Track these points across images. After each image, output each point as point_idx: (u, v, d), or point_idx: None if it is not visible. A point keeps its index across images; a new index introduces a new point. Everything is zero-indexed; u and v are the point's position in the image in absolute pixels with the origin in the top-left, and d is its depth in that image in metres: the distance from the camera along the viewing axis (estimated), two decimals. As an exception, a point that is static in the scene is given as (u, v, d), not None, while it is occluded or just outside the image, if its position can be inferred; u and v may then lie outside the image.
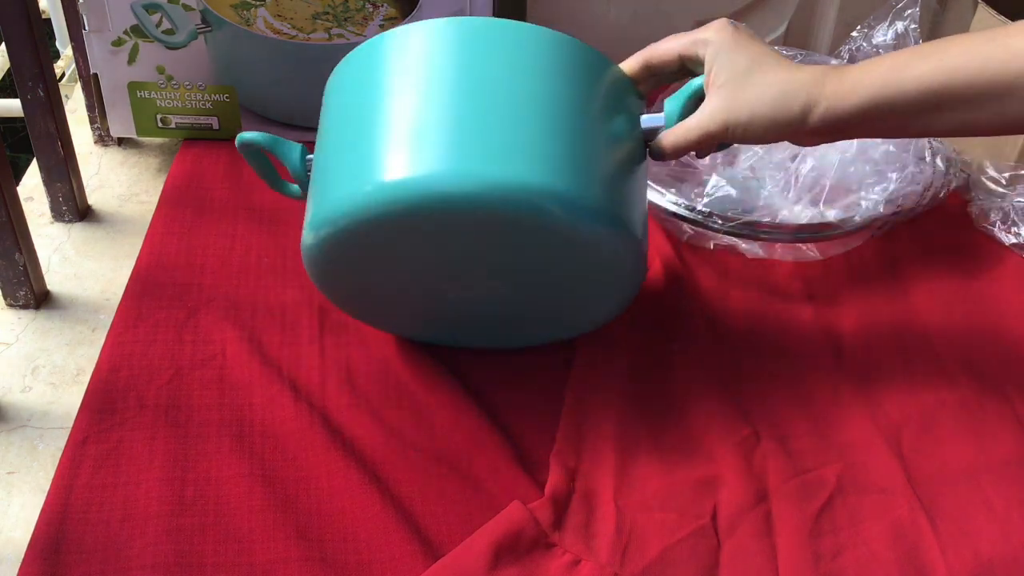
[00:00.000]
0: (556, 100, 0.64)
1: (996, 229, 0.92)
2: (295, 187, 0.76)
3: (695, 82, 0.69)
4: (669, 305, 0.85)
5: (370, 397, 0.76)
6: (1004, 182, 0.93)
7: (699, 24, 1.07)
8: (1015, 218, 0.92)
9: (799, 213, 0.86)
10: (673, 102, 0.69)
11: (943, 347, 0.82)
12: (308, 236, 0.67)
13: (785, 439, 0.74)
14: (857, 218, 0.85)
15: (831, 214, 0.86)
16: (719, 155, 0.92)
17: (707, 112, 0.66)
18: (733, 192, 0.87)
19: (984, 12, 0.96)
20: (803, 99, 0.63)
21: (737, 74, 0.65)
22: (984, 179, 0.94)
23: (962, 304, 0.86)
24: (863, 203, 0.86)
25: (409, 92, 0.64)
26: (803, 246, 0.88)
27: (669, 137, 0.68)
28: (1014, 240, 0.91)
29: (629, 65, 0.70)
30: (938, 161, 0.90)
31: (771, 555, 0.65)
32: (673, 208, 0.86)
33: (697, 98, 0.69)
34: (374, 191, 0.61)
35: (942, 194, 0.91)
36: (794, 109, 0.64)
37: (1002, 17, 0.93)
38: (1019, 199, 0.92)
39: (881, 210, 0.86)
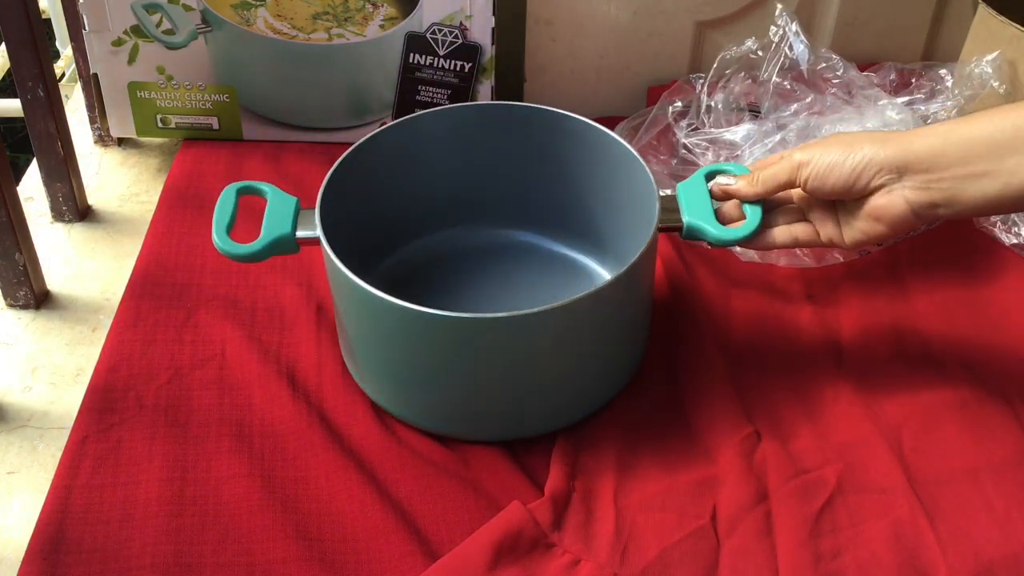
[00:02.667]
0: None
1: (996, 229, 0.92)
2: (244, 248, 0.71)
3: (704, 169, 0.77)
4: (670, 304, 0.85)
5: (368, 396, 0.76)
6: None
7: (699, 25, 1.08)
8: (1015, 218, 0.92)
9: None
10: (686, 186, 0.76)
11: (943, 347, 0.82)
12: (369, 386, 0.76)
13: (785, 439, 0.74)
14: None
15: None
16: (722, 154, 0.92)
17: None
18: None
19: (984, 12, 0.96)
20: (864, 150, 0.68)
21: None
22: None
23: (962, 304, 0.86)
24: None
25: None
26: (798, 251, 0.88)
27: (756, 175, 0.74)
28: (1014, 240, 0.91)
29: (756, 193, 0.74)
30: None
31: (771, 555, 0.65)
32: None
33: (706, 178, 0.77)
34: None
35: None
36: (856, 157, 0.68)
37: (1003, 18, 0.93)
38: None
39: None
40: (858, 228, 0.70)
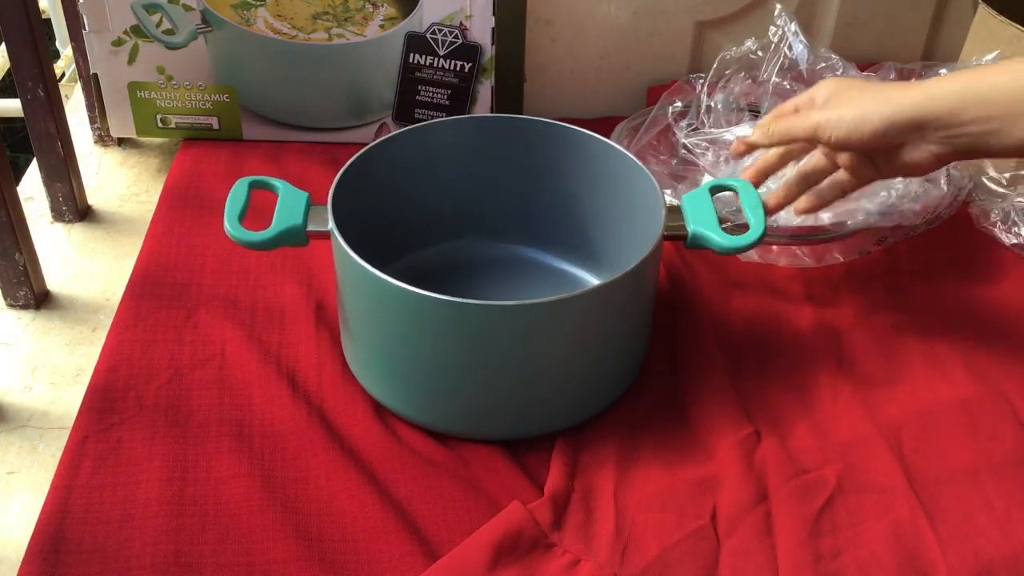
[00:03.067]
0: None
1: (996, 229, 0.92)
2: (255, 235, 0.72)
3: (708, 183, 0.78)
4: (670, 305, 0.85)
5: (369, 396, 0.76)
6: (1005, 182, 0.93)
7: (699, 25, 1.08)
8: (1015, 218, 0.92)
9: (794, 216, 0.86)
10: (691, 197, 0.76)
11: (943, 347, 0.82)
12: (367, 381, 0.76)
13: (785, 439, 0.74)
14: (850, 223, 0.85)
15: (825, 217, 0.86)
16: (722, 154, 0.92)
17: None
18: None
19: (984, 12, 0.96)
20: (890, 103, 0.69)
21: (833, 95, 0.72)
22: (985, 180, 0.94)
23: (962, 304, 0.86)
24: (860, 213, 0.86)
25: None
26: (798, 251, 0.88)
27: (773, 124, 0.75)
28: (1014, 240, 0.91)
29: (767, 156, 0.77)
30: (943, 184, 0.89)
31: (771, 555, 0.65)
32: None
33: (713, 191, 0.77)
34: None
35: (944, 215, 0.90)
36: (883, 110, 0.68)
37: (1002, 18, 0.93)
38: (1019, 199, 0.92)
39: (875, 221, 0.85)
40: (893, 169, 0.72)
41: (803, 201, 0.79)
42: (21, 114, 0.92)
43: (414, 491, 0.69)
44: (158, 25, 0.97)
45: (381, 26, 0.99)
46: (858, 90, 0.71)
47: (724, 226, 0.75)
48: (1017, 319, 0.84)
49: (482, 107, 1.03)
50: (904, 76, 1.01)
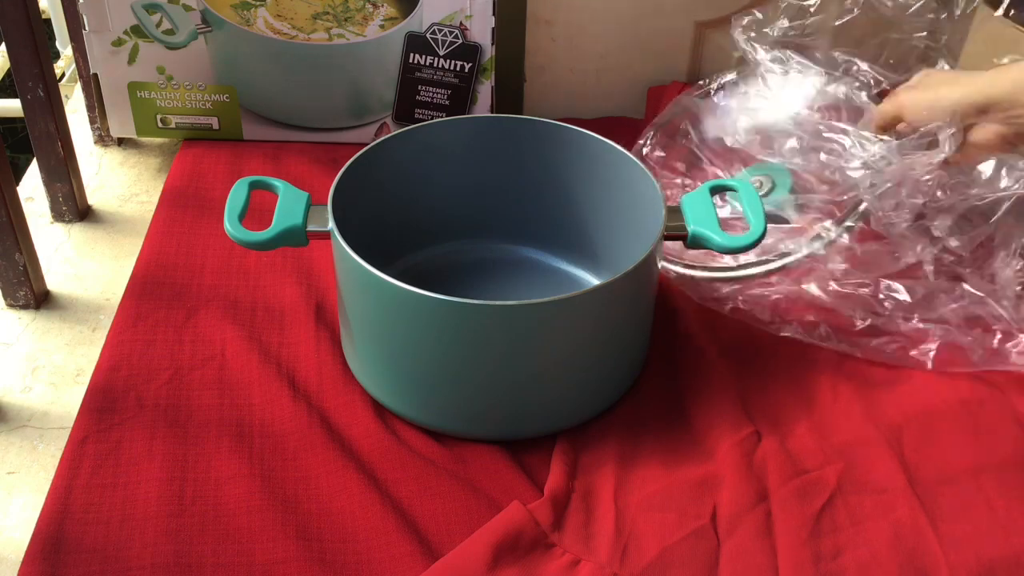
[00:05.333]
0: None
1: (996, 229, 0.92)
2: (255, 235, 0.72)
3: (708, 183, 0.78)
4: (669, 305, 0.85)
5: (369, 396, 0.76)
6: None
7: (700, 25, 1.08)
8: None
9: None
10: (691, 198, 0.76)
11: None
12: (366, 380, 0.76)
13: (785, 439, 0.74)
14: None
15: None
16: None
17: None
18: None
19: (984, 11, 0.96)
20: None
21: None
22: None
23: (962, 304, 0.86)
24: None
25: None
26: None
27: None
28: (1014, 240, 0.91)
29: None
30: None
31: (771, 555, 0.65)
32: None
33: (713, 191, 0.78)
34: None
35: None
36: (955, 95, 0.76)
37: (1003, 18, 0.93)
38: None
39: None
40: (965, 149, 0.77)
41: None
42: (21, 114, 0.92)
43: (414, 491, 0.69)
44: (158, 25, 0.97)
45: (381, 26, 0.99)
46: (938, 77, 0.79)
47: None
48: (1017, 319, 0.84)
49: (482, 107, 1.03)
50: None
